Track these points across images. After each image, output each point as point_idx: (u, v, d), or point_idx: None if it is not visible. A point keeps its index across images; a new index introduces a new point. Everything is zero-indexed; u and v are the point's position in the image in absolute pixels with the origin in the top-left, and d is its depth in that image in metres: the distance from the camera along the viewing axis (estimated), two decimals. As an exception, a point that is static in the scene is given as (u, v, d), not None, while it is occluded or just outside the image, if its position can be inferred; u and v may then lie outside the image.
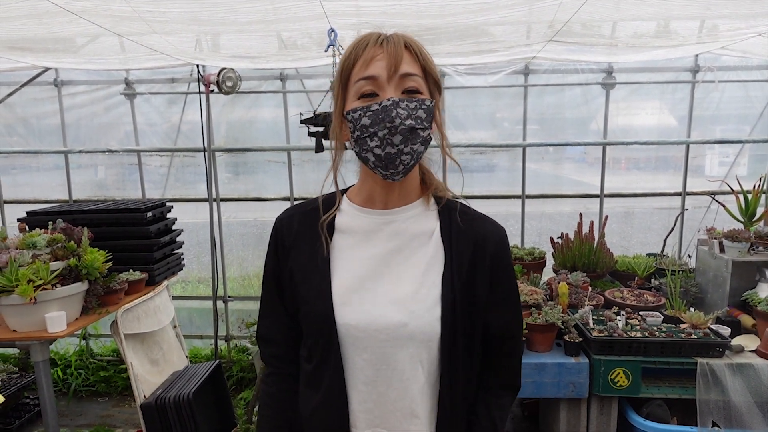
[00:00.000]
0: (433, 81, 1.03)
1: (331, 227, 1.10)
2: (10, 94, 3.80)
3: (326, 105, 2.61)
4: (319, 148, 2.62)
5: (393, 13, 2.45)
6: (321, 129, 2.59)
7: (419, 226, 1.08)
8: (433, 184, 1.13)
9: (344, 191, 1.15)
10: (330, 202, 1.12)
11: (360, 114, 0.97)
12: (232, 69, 3.40)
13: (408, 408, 1.05)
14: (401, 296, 1.03)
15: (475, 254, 1.07)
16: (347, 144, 1.06)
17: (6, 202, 4.05)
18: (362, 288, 1.05)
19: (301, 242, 1.10)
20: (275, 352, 1.18)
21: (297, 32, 3.03)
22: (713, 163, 4.07)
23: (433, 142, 1.06)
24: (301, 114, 2.54)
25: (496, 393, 1.15)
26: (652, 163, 4.05)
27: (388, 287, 1.04)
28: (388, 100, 0.96)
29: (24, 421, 3.49)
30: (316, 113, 2.48)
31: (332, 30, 2.36)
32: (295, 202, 4.50)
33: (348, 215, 1.10)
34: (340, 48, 2.50)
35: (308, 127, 2.63)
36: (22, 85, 3.76)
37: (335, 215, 1.10)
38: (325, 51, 2.43)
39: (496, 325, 1.11)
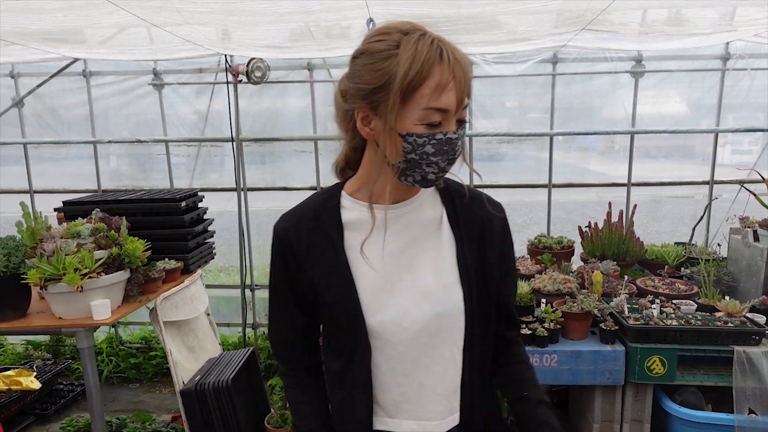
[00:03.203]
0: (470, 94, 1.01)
1: (339, 227, 1.08)
2: (39, 85, 3.84)
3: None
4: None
5: (430, 2, 2.45)
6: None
7: (427, 215, 1.10)
8: None
9: (341, 186, 1.13)
10: (330, 201, 1.10)
11: (425, 141, 0.94)
12: (261, 59, 3.42)
13: (450, 387, 1.10)
14: (426, 286, 1.06)
15: (483, 234, 1.11)
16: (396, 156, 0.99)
17: (36, 192, 4.10)
18: (388, 285, 1.06)
19: (314, 249, 1.08)
20: (290, 354, 1.20)
21: (328, 22, 3.03)
22: (726, 152, 4.05)
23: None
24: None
25: (518, 342, 1.27)
26: (676, 152, 4.04)
27: (411, 280, 1.06)
28: (454, 133, 0.95)
29: (59, 406, 3.56)
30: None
31: (371, 20, 2.36)
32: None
33: (355, 212, 1.08)
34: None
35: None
36: (52, 76, 3.79)
37: (341, 215, 1.09)
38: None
39: (506, 295, 1.20)
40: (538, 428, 1.17)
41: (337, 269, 1.06)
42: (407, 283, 1.06)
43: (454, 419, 1.11)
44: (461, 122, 0.97)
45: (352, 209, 1.09)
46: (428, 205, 1.10)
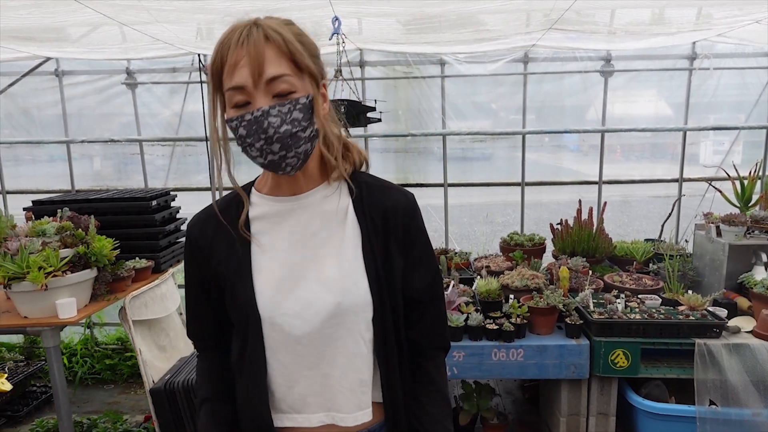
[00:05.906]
0: (308, 68, 0.97)
1: (246, 222, 1.08)
2: (11, 84, 3.80)
3: (341, 93, 2.63)
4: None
5: (395, 1, 2.47)
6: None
7: (332, 205, 1.09)
8: (333, 163, 1.09)
9: (252, 184, 1.14)
10: (237, 200, 1.10)
11: (236, 124, 0.95)
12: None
13: (356, 379, 1.08)
14: (329, 276, 1.05)
15: (387, 224, 1.09)
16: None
17: (8, 192, 4.07)
18: (290, 277, 1.05)
19: (218, 245, 1.09)
20: (209, 345, 1.21)
21: (299, 21, 3.04)
22: (708, 151, 4.13)
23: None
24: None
25: (431, 355, 1.18)
26: (649, 151, 4.11)
27: (314, 270, 1.06)
28: (258, 110, 0.93)
29: (31, 408, 3.53)
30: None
31: (336, 18, 2.38)
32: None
33: (260, 207, 1.10)
34: (344, 37, 2.52)
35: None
36: (23, 75, 3.76)
37: (248, 210, 1.09)
38: (329, 39, 2.45)
39: (418, 288, 1.13)
40: None
41: (238, 264, 1.07)
42: (310, 274, 1.05)
43: (366, 414, 1.09)
44: (282, 96, 0.94)
45: (258, 203, 1.10)
46: (334, 196, 1.10)
